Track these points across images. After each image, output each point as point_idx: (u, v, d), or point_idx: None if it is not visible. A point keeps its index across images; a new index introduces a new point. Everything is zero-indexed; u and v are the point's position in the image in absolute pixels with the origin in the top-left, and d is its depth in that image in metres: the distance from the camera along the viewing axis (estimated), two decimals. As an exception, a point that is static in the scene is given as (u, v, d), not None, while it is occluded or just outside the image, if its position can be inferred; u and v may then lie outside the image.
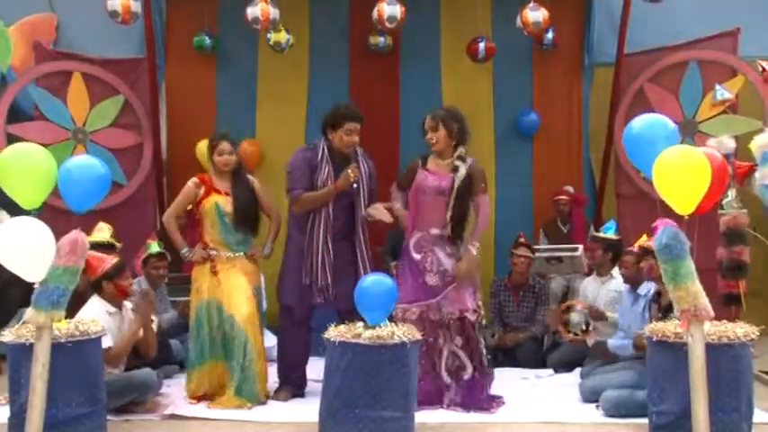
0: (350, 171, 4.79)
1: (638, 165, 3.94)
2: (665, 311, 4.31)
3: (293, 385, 4.98)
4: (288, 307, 5.00)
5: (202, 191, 4.94)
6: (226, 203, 4.90)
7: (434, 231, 4.67)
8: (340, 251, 4.87)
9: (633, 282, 4.95)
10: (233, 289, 4.83)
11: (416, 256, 4.66)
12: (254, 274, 5.01)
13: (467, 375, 4.66)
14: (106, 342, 4.35)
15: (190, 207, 5.06)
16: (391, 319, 4.16)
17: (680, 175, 3.58)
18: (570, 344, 5.48)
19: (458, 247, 4.69)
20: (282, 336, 5.11)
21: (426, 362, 4.61)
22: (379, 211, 4.81)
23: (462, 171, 4.64)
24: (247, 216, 4.94)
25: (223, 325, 4.81)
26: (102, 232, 5.48)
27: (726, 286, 5.86)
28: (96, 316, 4.37)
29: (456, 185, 4.61)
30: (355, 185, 4.82)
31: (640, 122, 3.83)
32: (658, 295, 4.60)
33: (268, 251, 5.07)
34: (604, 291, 5.74)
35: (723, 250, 5.85)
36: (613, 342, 4.98)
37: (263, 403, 4.76)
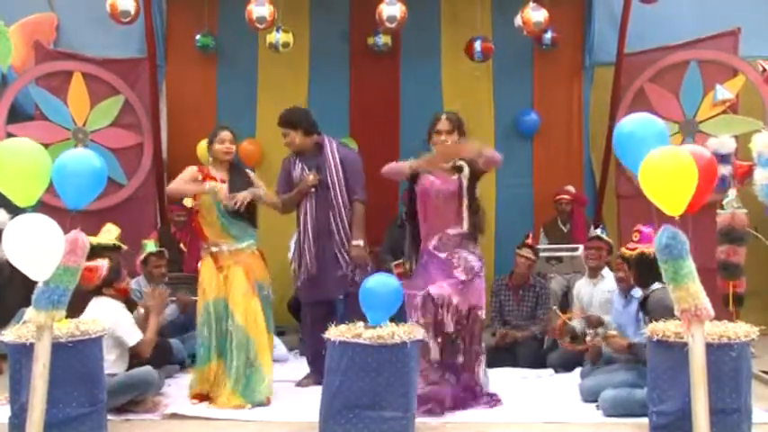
0: (309, 176, 5.14)
1: (627, 164, 3.92)
2: (644, 309, 4.39)
3: (319, 373, 4.88)
4: (304, 303, 5.32)
5: (200, 178, 4.91)
6: (221, 190, 4.86)
7: (452, 231, 4.64)
8: (327, 245, 5.15)
9: (629, 284, 4.95)
10: (236, 286, 4.82)
11: (442, 255, 4.61)
12: (257, 269, 4.95)
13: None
14: (137, 335, 4.63)
15: (191, 205, 5.06)
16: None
17: (666, 177, 3.55)
18: (570, 348, 5.49)
19: (477, 245, 4.71)
20: (304, 328, 5.44)
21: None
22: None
23: (466, 170, 4.64)
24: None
25: (227, 322, 4.80)
26: (110, 234, 5.38)
27: (724, 286, 5.86)
28: (117, 311, 4.56)
29: (465, 185, 4.62)
30: (313, 189, 5.14)
31: (630, 122, 3.82)
32: (645, 298, 4.58)
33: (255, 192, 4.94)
34: (597, 292, 5.75)
35: (717, 249, 5.85)
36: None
37: (264, 404, 4.73)
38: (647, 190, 3.60)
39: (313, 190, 5.17)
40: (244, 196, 4.81)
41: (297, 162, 5.25)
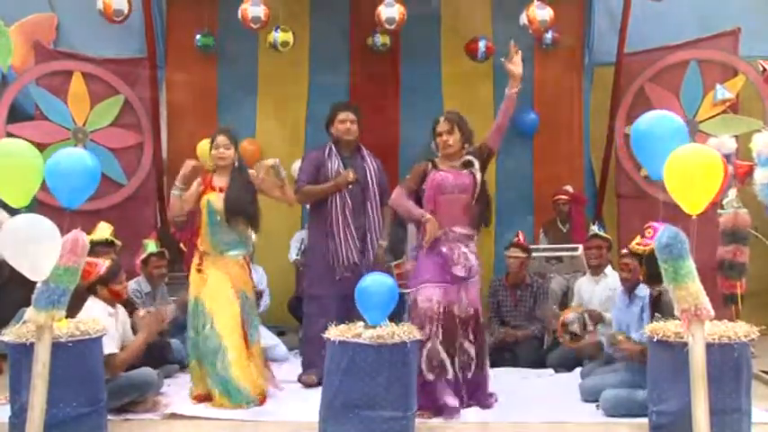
0: (349, 172, 5.21)
1: (644, 162, 3.92)
2: (658, 307, 4.34)
3: (319, 368, 4.82)
4: (314, 296, 5.29)
5: (201, 189, 4.92)
6: (217, 200, 4.84)
7: (458, 229, 4.63)
8: (366, 240, 5.29)
9: (633, 284, 4.94)
10: (216, 290, 4.79)
11: (443, 249, 4.61)
12: (240, 278, 4.88)
13: (470, 373, 4.65)
14: (110, 347, 4.36)
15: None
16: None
17: (694, 174, 3.55)
18: (570, 346, 5.49)
19: (475, 245, 4.74)
20: (308, 323, 5.33)
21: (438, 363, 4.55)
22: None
23: (476, 164, 4.66)
24: (237, 210, 4.82)
25: (205, 325, 4.76)
26: (103, 231, 5.49)
27: (725, 286, 5.85)
28: (98, 317, 4.35)
29: (479, 179, 4.64)
30: (350, 187, 5.22)
31: (649, 119, 3.81)
32: (658, 296, 4.57)
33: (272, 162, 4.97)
34: (599, 290, 5.76)
35: (722, 249, 5.85)
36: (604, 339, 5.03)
37: (259, 403, 4.73)
38: (670, 188, 3.59)
39: (350, 187, 5.25)
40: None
41: (334, 156, 5.33)
